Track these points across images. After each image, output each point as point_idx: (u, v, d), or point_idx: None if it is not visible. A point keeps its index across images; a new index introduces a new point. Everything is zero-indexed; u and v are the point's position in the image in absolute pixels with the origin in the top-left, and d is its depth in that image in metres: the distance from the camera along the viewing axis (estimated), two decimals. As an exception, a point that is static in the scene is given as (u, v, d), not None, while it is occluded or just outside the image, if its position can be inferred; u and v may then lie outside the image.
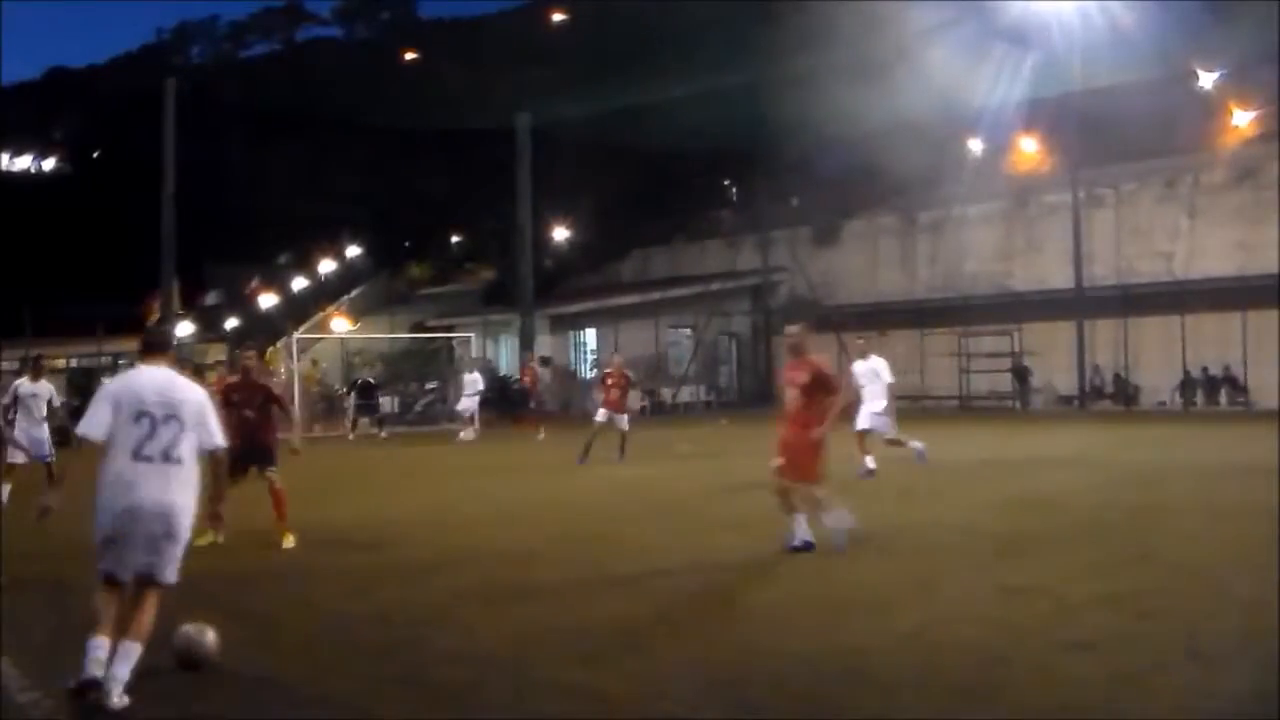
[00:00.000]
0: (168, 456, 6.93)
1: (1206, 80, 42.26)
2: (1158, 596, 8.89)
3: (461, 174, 68.29)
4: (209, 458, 7.32)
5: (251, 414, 12.69)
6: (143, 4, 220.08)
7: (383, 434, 33.66)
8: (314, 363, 41.77)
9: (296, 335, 40.79)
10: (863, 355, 19.23)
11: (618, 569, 10.84)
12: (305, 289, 72.39)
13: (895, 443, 18.76)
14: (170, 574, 6.99)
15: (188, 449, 7.02)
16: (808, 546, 11.13)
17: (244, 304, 69.71)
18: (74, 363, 46.69)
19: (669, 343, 47.57)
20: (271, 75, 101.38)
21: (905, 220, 46.19)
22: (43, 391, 16.10)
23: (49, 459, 15.68)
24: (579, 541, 12.75)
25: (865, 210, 47.86)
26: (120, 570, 6.91)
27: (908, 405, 42.24)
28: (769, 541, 11.88)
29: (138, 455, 6.87)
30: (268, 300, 69.48)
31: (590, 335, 48.55)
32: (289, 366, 38.34)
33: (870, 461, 18.05)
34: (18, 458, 15.23)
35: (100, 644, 6.73)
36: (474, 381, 31.83)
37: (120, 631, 6.76)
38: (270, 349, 50.02)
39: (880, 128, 42.56)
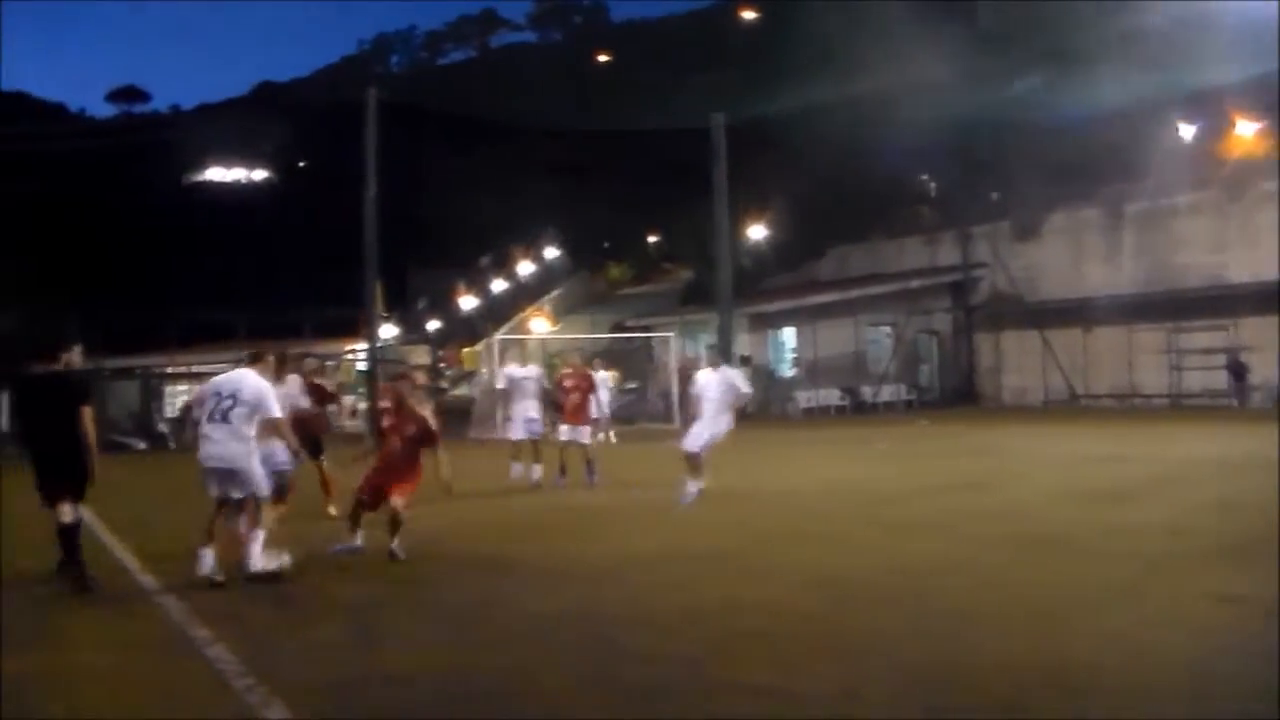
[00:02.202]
0: (225, 419, 10.61)
1: None
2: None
3: (657, 174, 68.73)
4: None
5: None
6: (345, 17, 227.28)
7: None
8: (614, 376, 42.38)
9: (497, 336, 41.48)
10: (713, 365, 16.76)
11: (811, 569, 10.78)
12: (505, 291, 73.69)
13: (693, 463, 16.10)
14: (240, 493, 10.64)
15: (238, 415, 10.60)
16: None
17: (446, 306, 71.25)
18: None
19: (868, 341, 47.15)
20: (468, 81, 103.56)
21: (1110, 212, 44.85)
22: (533, 374, 18.66)
23: (538, 437, 18.31)
24: (777, 541, 12.72)
25: (1068, 203, 46.69)
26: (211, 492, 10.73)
27: (1115, 404, 41.38)
28: (964, 543, 11.74)
29: (210, 418, 10.65)
30: (469, 302, 70.89)
31: (789, 334, 48.38)
32: (490, 368, 38.95)
33: (694, 484, 15.97)
34: (516, 433, 18.33)
35: (207, 553, 10.54)
36: (601, 381, 29.65)
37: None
38: (466, 350, 51.10)
39: (1083, 116, 41.49)
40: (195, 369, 46.46)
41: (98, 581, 10.74)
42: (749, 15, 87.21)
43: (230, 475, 10.64)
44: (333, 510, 14.87)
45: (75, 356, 11.50)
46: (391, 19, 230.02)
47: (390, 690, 7.21)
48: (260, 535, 10.69)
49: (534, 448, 18.34)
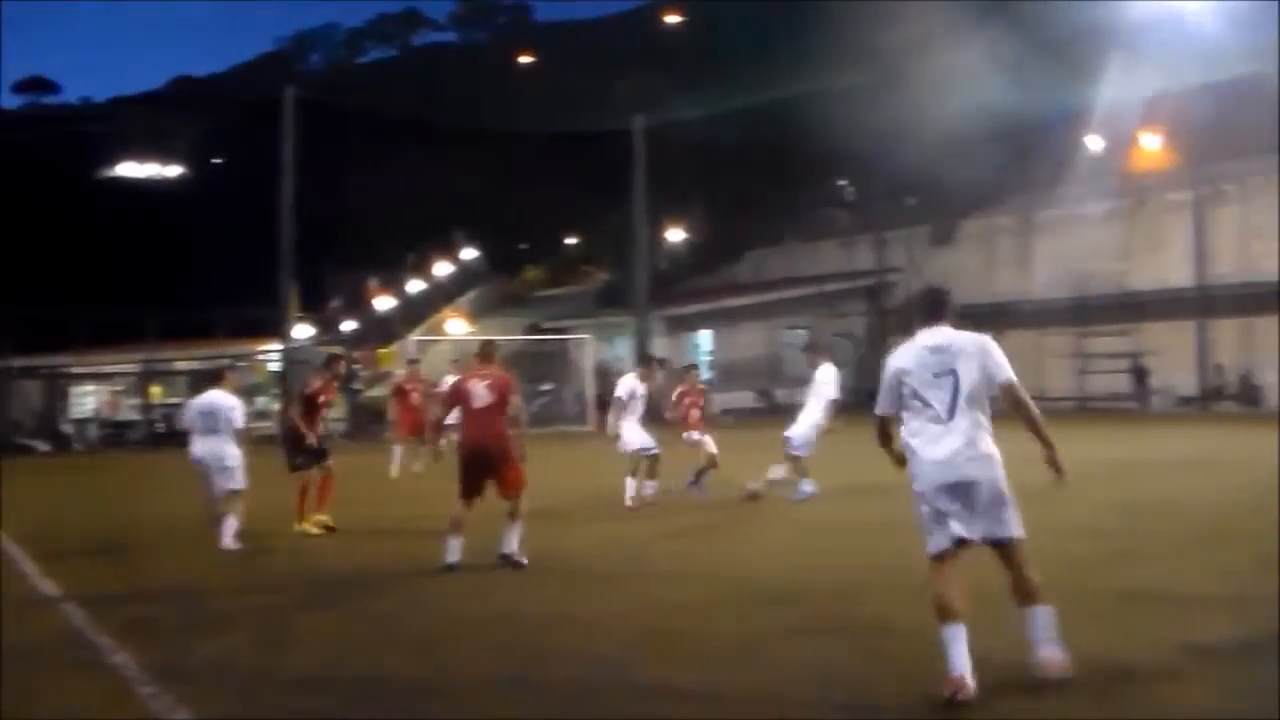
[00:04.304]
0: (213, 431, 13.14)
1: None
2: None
3: (576, 176, 68.63)
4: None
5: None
6: (265, 13, 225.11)
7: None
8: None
9: (413, 337, 41.24)
10: (810, 364, 17.70)
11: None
12: (421, 292, 73.21)
13: (794, 464, 16.83)
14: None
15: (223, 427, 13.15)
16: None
17: (361, 307, 70.59)
18: (195, 365, 47.49)
19: (784, 344, 47.33)
20: (389, 81, 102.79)
21: (1022, 220, 45.50)
22: (640, 391, 17.29)
23: (654, 452, 16.92)
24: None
25: (982, 210, 47.26)
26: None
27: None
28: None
29: (200, 433, 13.24)
30: (384, 303, 70.35)
31: (705, 336, 48.51)
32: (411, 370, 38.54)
33: (807, 484, 16.68)
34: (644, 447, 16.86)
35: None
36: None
37: None
38: (383, 351, 50.57)
39: (997, 126, 42.00)
40: (104, 369, 45.60)
41: None
42: (672, 18, 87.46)
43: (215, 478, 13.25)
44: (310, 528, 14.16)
45: None
46: (312, 16, 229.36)
47: (302, 692, 7.15)
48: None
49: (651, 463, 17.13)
